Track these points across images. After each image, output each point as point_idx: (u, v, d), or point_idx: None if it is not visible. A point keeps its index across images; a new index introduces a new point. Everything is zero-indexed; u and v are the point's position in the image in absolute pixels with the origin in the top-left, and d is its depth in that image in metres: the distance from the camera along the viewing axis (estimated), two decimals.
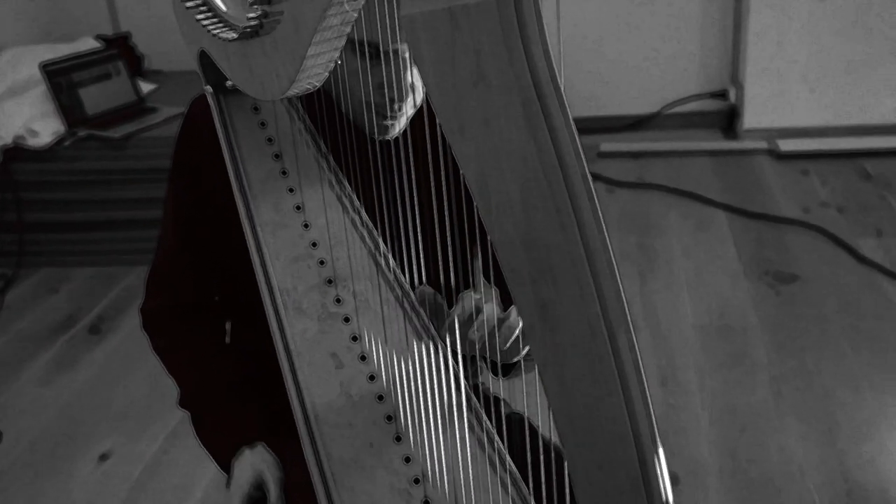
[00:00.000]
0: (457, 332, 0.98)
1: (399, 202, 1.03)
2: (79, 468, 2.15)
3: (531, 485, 0.96)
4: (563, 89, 0.65)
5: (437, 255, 1.02)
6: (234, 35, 0.93)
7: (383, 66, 1.01)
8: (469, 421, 1.01)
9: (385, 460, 1.00)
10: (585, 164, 0.64)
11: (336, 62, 0.90)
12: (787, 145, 3.67)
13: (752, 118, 3.77)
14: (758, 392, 2.23)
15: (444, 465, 0.98)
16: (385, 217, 1.06)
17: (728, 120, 3.95)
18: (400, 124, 1.09)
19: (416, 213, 0.99)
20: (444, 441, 0.99)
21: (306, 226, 1.08)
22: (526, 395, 0.90)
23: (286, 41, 0.87)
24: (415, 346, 1.04)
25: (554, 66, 0.64)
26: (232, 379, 1.21)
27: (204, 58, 1.06)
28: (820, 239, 2.98)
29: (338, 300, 1.06)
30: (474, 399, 1.02)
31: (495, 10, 0.63)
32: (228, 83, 1.11)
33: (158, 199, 1.32)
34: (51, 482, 2.10)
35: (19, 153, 3.05)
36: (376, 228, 1.09)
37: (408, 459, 1.00)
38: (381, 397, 1.03)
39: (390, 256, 1.08)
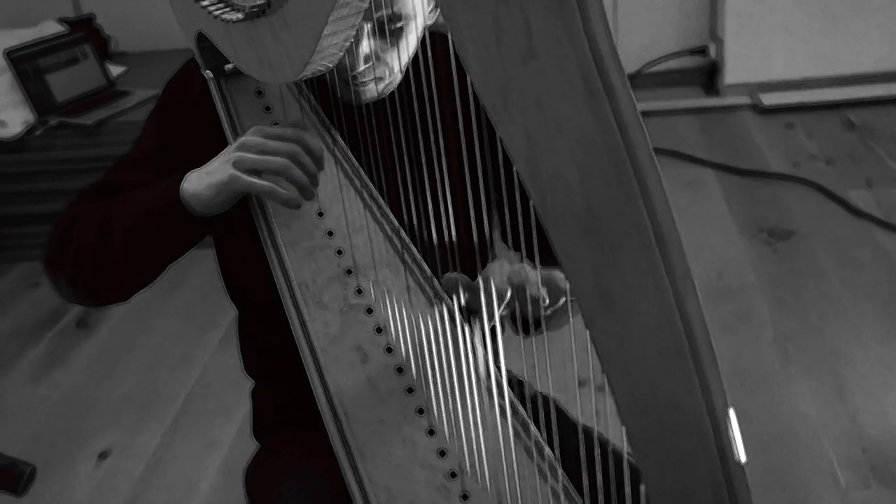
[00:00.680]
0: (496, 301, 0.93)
1: (410, 168, 0.99)
2: (79, 468, 2.10)
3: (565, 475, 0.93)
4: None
5: (455, 219, 0.96)
6: (240, 16, 0.87)
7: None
8: (502, 408, 0.97)
9: (420, 456, 0.96)
10: (651, 144, 0.60)
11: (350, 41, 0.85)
12: (769, 99, 3.63)
13: (733, 73, 3.73)
14: (764, 352, 2.21)
15: (480, 456, 0.94)
16: (398, 185, 1.01)
17: (709, 76, 3.91)
18: (372, 89, 1.02)
19: (436, 173, 0.94)
20: (478, 431, 0.95)
21: (321, 214, 1.03)
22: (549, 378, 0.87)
23: (299, 20, 0.82)
24: (441, 334, 0.99)
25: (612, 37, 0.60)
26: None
27: (202, 41, 1.00)
28: (811, 193, 2.96)
29: (359, 291, 1.01)
30: (506, 385, 0.98)
31: None
32: (228, 66, 1.05)
33: None
34: (51, 484, 2.04)
35: None
36: (389, 200, 1.04)
37: (442, 453, 0.96)
38: (410, 390, 0.99)
39: (406, 237, 1.03)
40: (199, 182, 0.94)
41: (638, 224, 0.59)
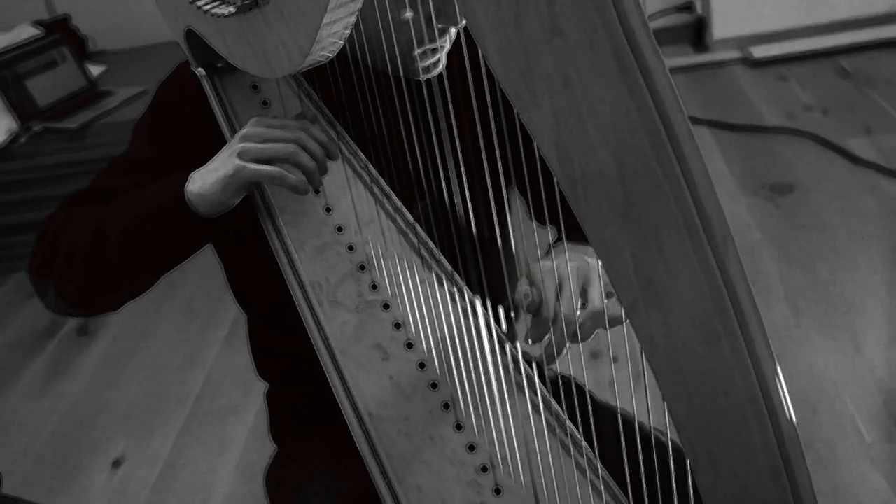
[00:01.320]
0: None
1: (426, 164, 0.94)
2: (93, 478, 2.07)
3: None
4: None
5: (473, 208, 0.92)
6: (231, 9, 0.83)
7: None
8: (533, 402, 0.94)
9: (448, 452, 0.93)
10: (689, 122, 0.56)
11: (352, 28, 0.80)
12: (760, 52, 3.59)
13: (721, 28, 3.68)
14: (776, 310, 2.19)
15: (512, 449, 0.91)
16: (411, 177, 0.97)
17: (697, 33, 3.85)
18: (443, 58, 0.99)
19: (450, 163, 0.90)
20: (507, 424, 0.92)
21: (328, 210, 0.99)
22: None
23: (296, 10, 0.77)
24: (462, 325, 0.96)
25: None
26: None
27: (191, 38, 0.95)
28: (810, 144, 2.92)
29: (373, 286, 0.98)
30: (533, 374, 0.95)
31: None
32: (220, 63, 1.00)
33: None
34: (66, 497, 2.01)
35: None
36: (402, 192, 1.00)
37: (472, 448, 0.93)
38: (434, 385, 0.95)
39: (423, 232, 1.00)
40: (204, 180, 0.90)
41: (681, 207, 0.56)
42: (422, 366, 0.95)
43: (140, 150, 1.03)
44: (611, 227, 0.59)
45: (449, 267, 0.97)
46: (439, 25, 0.93)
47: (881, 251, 2.34)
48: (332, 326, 0.94)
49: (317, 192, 0.98)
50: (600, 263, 0.89)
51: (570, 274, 0.88)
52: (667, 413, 0.62)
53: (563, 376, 1.11)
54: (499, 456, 0.92)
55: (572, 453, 0.91)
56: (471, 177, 0.90)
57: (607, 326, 0.90)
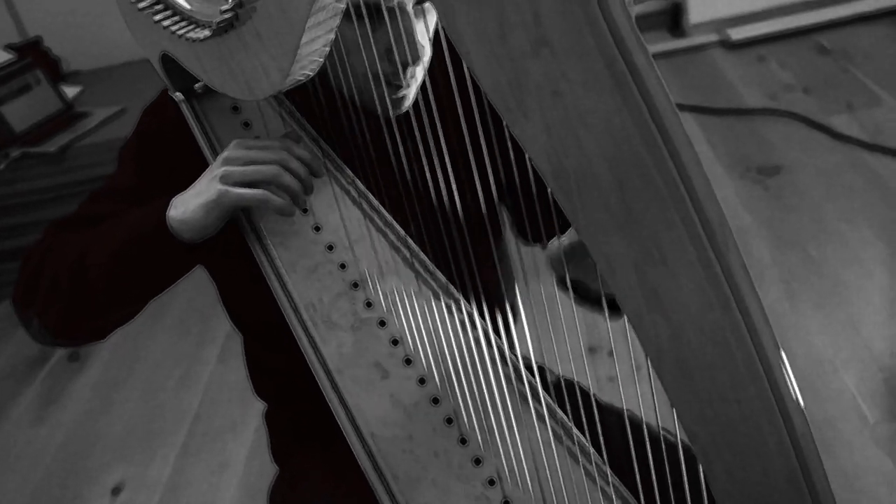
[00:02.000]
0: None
1: (414, 178, 0.92)
2: None
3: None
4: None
5: (460, 226, 0.91)
6: (207, 33, 0.81)
7: (388, 26, 0.87)
8: (536, 410, 0.93)
9: (455, 468, 0.92)
10: (684, 126, 0.54)
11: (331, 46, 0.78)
12: (738, 33, 3.58)
13: (697, 11, 3.68)
14: (770, 292, 2.18)
15: (519, 460, 0.90)
16: (401, 197, 0.95)
17: (673, 17, 3.85)
18: (412, 93, 0.96)
19: (437, 185, 0.88)
20: (513, 434, 0.91)
21: (317, 229, 0.97)
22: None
23: (273, 30, 0.76)
24: (461, 337, 0.95)
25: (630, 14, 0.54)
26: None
27: (167, 62, 0.93)
28: (793, 124, 2.92)
29: (368, 304, 0.96)
30: (536, 383, 0.93)
31: None
32: (198, 86, 0.98)
33: None
34: None
35: None
36: (391, 210, 0.98)
37: (478, 461, 0.92)
38: (435, 400, 0.94)
39: (414, 245, 0.98)
40: (186, 206, 0.88)
41: (682, 214, 0.54)
42: (422, 381, 0.94)
43: (125, 177, 1.01)
44: (611, 238, 0.58)
45: (443, 279, 0.96)
46: (392, 59, 0.91)
47: (871, 227, 2.34)
48: (329, 348, 0.93)
49: (304, 211, 0.97)
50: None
51: None
52: (675, 416, 0.61)
53: (565, 379, 1.09)
54: (505, 468, 0.91)
55: (580, 461, 0.90)
56: (460, 185, 0.88)
57: None
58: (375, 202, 0.97)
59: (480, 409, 0.92)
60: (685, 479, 0.74)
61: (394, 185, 0.95)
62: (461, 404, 0.92)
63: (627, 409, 1.10)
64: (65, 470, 2.19)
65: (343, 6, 0.74)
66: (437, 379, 0.93)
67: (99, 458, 2.20)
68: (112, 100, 3.11)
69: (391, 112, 0.93)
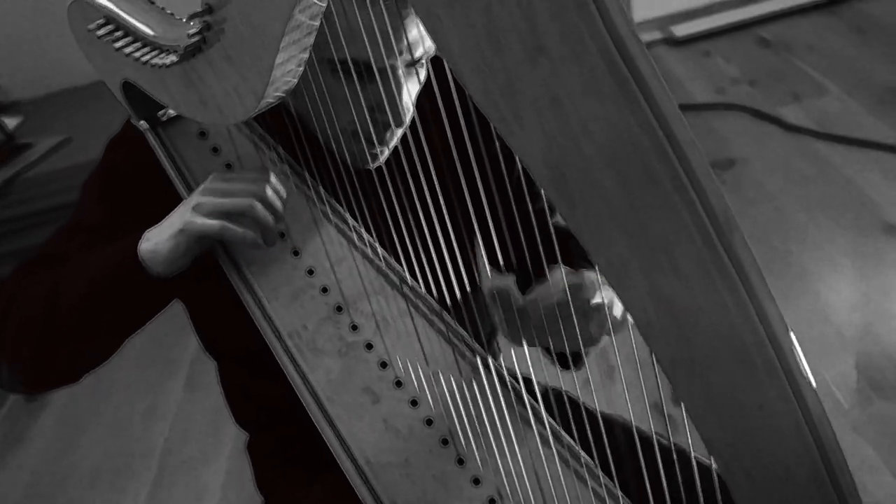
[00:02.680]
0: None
1: (390, 216, 0.91)
2: None
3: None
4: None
5: (437, 256, 0.89)
6: (174, 58, 0.78)
7: (380, 85, 0.85)
8: (526, 420, 0.91)
9: (454, 490, 0.89)
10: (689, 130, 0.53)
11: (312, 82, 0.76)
12: (682, 30, 3.62)
13: (641, 9, 3.70)
14: None
15: (520, 475, 0.88)
16: (379, 228, 0.93)
17: None
18: (387, 152, 0.95)
19: (411, 220, 0.87)
20: (509, 449, 0.89)
21: (296, 253, 0.94)
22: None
23: (244, 52, 0.73)
24: (450, 354, 0.92)
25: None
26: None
27: (129, 90, 0.90)
28: (743, 117, 2.95)
29: (354, 327, 0.93)
30: (526, 394, 0.92)
31: None
32: (160, 113, 0.95)
33: None
34: None
35: None
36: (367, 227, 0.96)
37: (477, 481, 0.90)
38: (429, 421, 0.91)
39: (392, 260, 0.96)
40: (158, 237, 0.85)
41: (694, 219, 0.53)
42: (414, 403, 0.92)
43: (91, 213, 0.97)
44: (617, 248, 0.56)
45: (426, 294, 0.94)
46: (376, 118, 0.90)
47: (828, 214, 2.37)
48: (317, 375, 0.90)
49: (282, 236, 0.94)
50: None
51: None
52: (687, 424, 0.59)
53: (553, 389, 1.08)
54: (506, 485, 0.89)
55: (583, 475, 0.88)
56: (438, 204, 0.87)
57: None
58: (353, 222, 0.95)
59: (478, 427, 0.90)
60: (678, 478, 0.73)
61: (368, 200, 0.92)
62: (456, 423, 0.90)
63: (619, 416, 1.09)
64: None
65: (316, 25, 0.71)
66: (429, 399, 0.91)
67: (69, 499, 2.13)
68: (55, 129, 3.03)
69: (360, 165, 0.93)
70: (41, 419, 2.44)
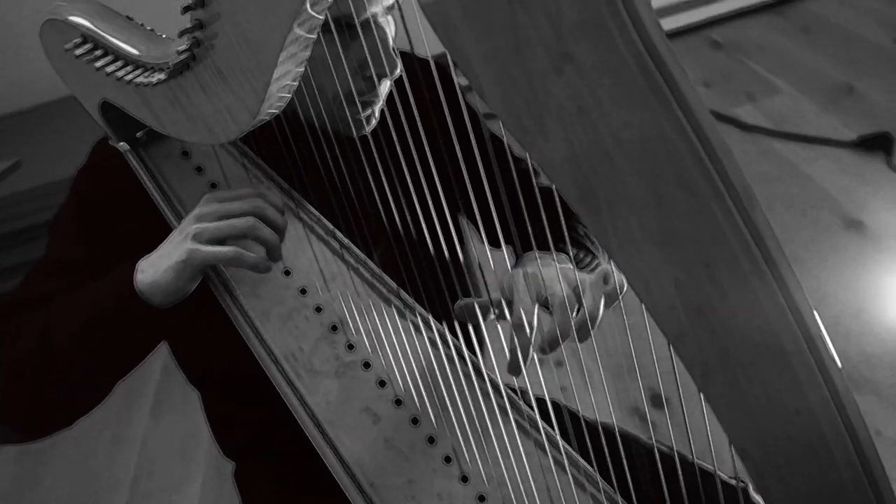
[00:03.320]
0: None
1: (373, 199, 0.89)
2: None
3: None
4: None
5: (427, 245, 0.87)
6: (161, 76, 0.75)
7: (363, 40, 0.81)
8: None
9: None
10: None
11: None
12: None
13: None
14: None
15: (529, 491, 0.86)
16: (361, 221, 0.91)
17: None
18: (378, 110, 0.92)
19: (399, 203, 0.86)
20: (513, 462, 0.87)
21: (287, 273, 0.91)
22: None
23: (238, 68, 0.70)
24: (448, 370, 0.90)
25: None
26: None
27: (108, 110, 0.86)
28: None
29: (350, 346, 0.91)
30: (519, 401, 0.90)
31: None
32: (140, 134, 0.91)
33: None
34: None
35: None
36: (352, 236, 0.94)
37: (482, 498, 0.88)
38: (431, 439, 0.89)
39: (384, 274, 0.93)
40: (156, 268, 0.81)
41: (730, 225, 0.52)
42: (415, 421, 0.89)
43: (68, 251, 0.92)
44: (646, 256, 0.55)
45: (424, 311, 0.92)
46: (367, 74, 0.87)
47: (791, 212, 2.40)
48: (316, 398, 0.87)
49: (279, 261, 0.91)
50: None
51: (558, 276, 0.82)
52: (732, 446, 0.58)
53: (549, 400, 1.07)
54: (513, 498, 0.87)
55: (587, 489, 0.87)
56: (422, 210, 0.85)
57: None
58: (345, 239, 0.93)
59: (477, 442, 0.88)
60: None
61: (353, 210, 0.90)
62: (460, 439, 0.88)
63: (609, 423, 1.08)
64: None
65: (313, 38, 0.69)
66: (431, 416, 0.89)
67: None
68: (4, 152, 2.94)
69: (355, 133, 0.90)
70: (0, 456, 2.36)
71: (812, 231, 2.30)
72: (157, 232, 0.87)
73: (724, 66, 3.28)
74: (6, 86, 2.99)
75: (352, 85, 0.85)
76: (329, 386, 0.88)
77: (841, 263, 2.14)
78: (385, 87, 0.90)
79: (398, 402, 0.90)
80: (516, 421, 0.89)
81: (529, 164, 1.10)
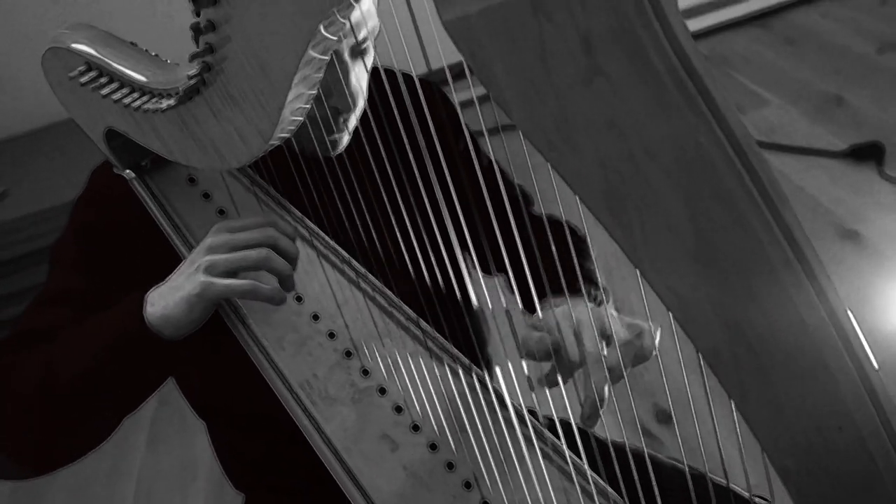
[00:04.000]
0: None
1: (374, 214, 0.89)
2: None
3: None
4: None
5: (427, 260, 0.86)
6: (172, 102, 0.73)
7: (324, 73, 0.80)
8: (544, 451, 0.88)
9: None
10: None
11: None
12: None
13: None
14: None
15: None
16: (368, 236, 0.90)
17: None
18: (346, 137, 0.92)
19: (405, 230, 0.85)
20: (536, 485, 0.85)
21: (299, 299, 0.90)
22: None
23: (251, 91, 0.69)
24: (468, 395, 0.89)
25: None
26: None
27: (112, 138, 0.85)
28: None
29: (365, 372, 0.89)
30: (539, 425, 0.89)
31: None
32: (144, 161, 0.90)
33: None
34: None
35: None
36: (364, 256, 0.93)
37: None
38: (450, 465, 0.88)
39: (396, 297, 0.92)
40: (167, 301, 0.79)
41: (770, 240, 0.51)
42: (433, 447, 0.88)
43: (69, 280, 0.90)
44: (681, 273, 0.54)
45: (438, 335, 0.90)
46: (331, 104, 0.87)
47: None
48: (332, 426, 0.85)
49: (292, 293, 0.89)
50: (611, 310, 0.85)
51: (587, 317, 0.82)
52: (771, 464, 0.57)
53: (562, 420, 1.05)
54: None
55: (597, 500, 0.85)
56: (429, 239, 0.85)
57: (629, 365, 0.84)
58: (358, 266, 0.91)
59: (496, 466, 0.86)
60: None
61: (364, 236, 0.89)
62: (480, 464, 0.86)
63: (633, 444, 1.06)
64: None
65: (327, 60, 0.68)
66: (450, 441, 0.87)
67: None
68: None
69: (321, 153, 0.90)
70: None
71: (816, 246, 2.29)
72: (160, 261, 0.85)
73: None
74: None
75: (315, 110, 0.84)
76: (345, 413, 0.87)
77: (838, 274, 2.13)
78: (348, 119, 0.91)
79: (415, 427, 0.88)
80: (540, 449, 0.87)
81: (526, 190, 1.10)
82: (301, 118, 0.73)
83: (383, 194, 0.87)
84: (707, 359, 0.56)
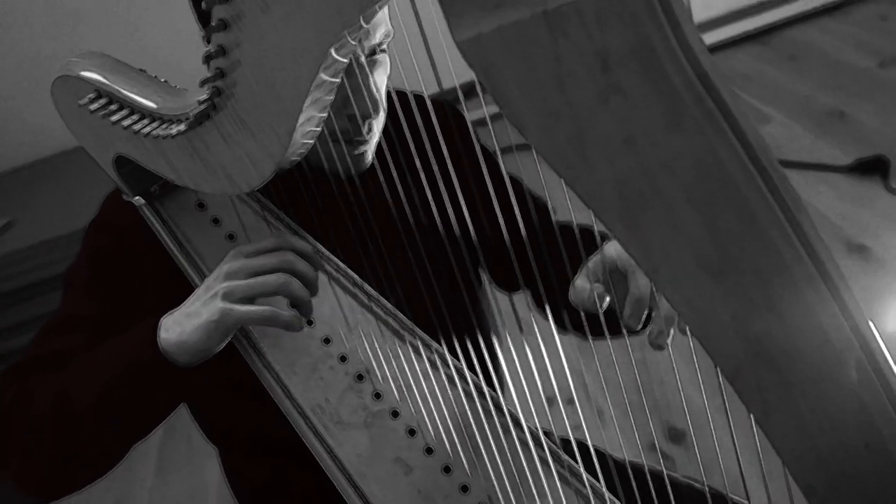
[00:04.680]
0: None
1: (389, 235, 0.88)
2: None
3: None
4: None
5: (439, 281, 0.86)
6: (182, 127, 0.73)
7: (345, 81, 0.79)
8: (560, 473, 0.87)
9: None
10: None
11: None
12: None
13: None
14: None
15: None
16: (380, 263, 0.90)
17: None
18: (372, 148, 0.91)
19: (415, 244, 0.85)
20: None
21: (310, 322, 0.89)
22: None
23: (262, 114, 0.69)
24: (481, 415, 0.88)
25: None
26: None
27: (122, 165, 0.85)
28: None
29: (377, 395, 0.88)
30: (554, 447, 0.88)
31: None
32: (153, 187, 0.90)
33: None
34: None
35: None
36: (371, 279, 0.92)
37: None
38: (465, 488, 0.87)
39: (407, 319, 0.91)
40: (182, 327, 0.78)
41: (791, 254, 0.50)
42: (447, 470, 0.87)
43: (82, 306, 0.89)
44: (704, 291, 0.53)
45: (458, 363, 0.89)
46: (350, 113, 0.86)
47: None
48: (345, 450, 0.85)
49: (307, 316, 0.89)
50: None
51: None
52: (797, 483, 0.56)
53: (577, 441, 1.04)
54: None
55: None
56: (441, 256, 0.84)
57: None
58: (371, 290, 0.90)
59: (520, 487, 0.85)
60: None
61: (371, 252, 0.89)
62: (495, 485, 0.85)
63: (641, 463, 1.06)
64: None
65: (338, 81, 0.68)
66: (464, 463, 0.86)
67: None
68: None
69: (353, 171, 0.89)
70: None
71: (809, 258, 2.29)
72: (171, 287, 0.85)
73: None
74: None
75: (335, 123, 0.83)
76: (358, 437, 0.86)
77: None
78: (373, 126, 0.89)
79: (429, 450, 0.87)
80: (557, 471, 0.86)
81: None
82: (312, 141, 0.72)
83: (394, 214, 0.86)
84: (726, 374, 0.55)
